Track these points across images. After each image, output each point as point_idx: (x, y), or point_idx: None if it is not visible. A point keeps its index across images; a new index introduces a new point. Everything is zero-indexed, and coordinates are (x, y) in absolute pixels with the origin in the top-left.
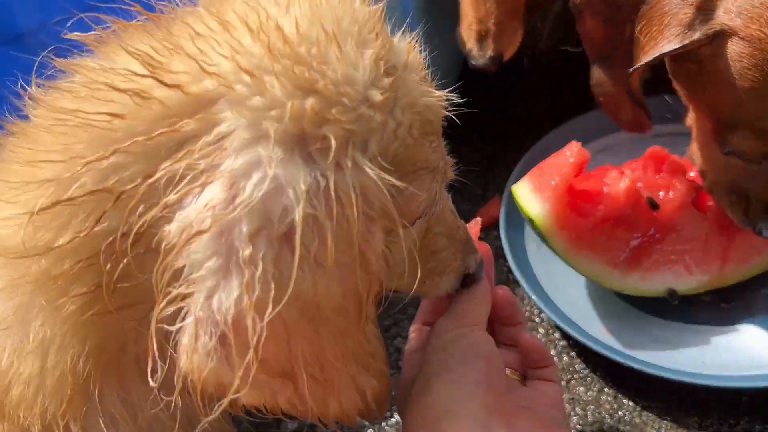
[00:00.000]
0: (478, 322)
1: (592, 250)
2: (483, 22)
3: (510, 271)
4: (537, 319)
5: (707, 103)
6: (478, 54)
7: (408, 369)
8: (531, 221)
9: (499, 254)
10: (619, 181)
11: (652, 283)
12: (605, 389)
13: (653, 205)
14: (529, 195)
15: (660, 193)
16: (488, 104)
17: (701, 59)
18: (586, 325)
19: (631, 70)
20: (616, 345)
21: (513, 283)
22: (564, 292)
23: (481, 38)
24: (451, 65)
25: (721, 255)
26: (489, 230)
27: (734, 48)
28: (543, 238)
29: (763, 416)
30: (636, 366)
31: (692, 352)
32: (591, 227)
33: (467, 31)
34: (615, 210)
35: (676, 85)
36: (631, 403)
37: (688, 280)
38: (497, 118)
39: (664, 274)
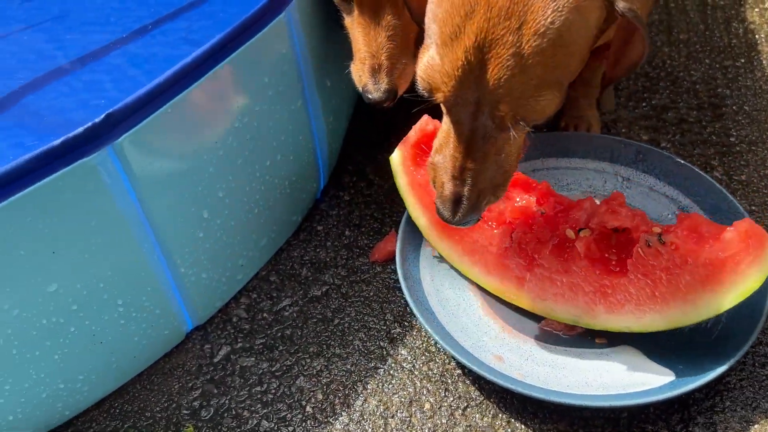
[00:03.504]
0: None
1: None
2: (376, 56)
3: (407, 303)
4: (433, 349)
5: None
6: (374, 88)
7: None
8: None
9: (395, 287)
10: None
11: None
12: (499, 414)
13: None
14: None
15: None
16: (380, 142)
17: None
18: (477, 352)
19: None
20: (505, 371)
21: (410, 315)
22: (457, 321)
23: (375, 72)
24: (343, 105)
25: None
26: (385, 264)
27: None
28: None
29: (641, 430)
30: (522, 391)
31: (576, 375)
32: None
33: (360, 66)
34: None
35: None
36: (523, 426)
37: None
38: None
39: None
